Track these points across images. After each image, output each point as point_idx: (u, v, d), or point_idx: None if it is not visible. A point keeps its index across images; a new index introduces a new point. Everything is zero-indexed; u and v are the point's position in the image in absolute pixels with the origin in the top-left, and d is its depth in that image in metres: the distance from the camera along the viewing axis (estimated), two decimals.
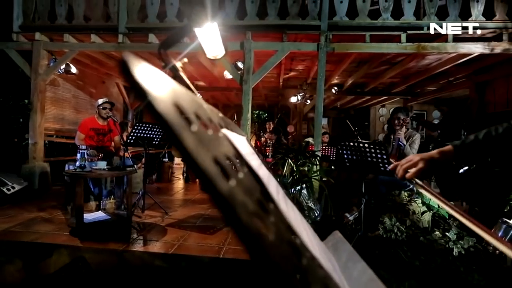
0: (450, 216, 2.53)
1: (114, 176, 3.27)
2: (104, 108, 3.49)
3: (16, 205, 3.44)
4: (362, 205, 2.34)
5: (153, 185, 5.21)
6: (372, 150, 2.19)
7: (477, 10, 3.60)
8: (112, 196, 3.39)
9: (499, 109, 4.67)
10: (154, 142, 3.42)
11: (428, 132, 5.85)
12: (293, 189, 2.89)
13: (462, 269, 2.12)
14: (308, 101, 6.80)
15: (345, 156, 2.40)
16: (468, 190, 3.13)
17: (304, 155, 3.07)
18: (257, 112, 11.14)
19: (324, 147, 4.66)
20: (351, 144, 2.32)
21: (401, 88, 6.29)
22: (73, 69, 4.56)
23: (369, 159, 2.23)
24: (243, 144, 0.53)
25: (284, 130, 6.56)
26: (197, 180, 5.38)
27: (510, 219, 2.20)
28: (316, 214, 2.96)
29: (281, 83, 6.40)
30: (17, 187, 3.61)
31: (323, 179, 3.16)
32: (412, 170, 0.86)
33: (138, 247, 2.35)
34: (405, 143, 3.01)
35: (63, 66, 4.42)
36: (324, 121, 9.37)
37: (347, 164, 2.41)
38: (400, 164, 0.90)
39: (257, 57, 4.26)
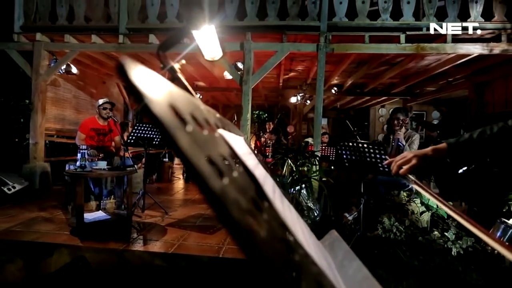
0: (449, 216, 2.54)
1: (115, 176, 3.28)
2: (105, 109, 3.50)
3: (17, 204, 3.45)
4: (361, 205, 2.35)
5: (153, 185, 5.22)
6: (371, 150, 2.20)
7: (476, 11, 3.61)
8: (113, 196, 3.41)
9: (498, 109, 4.67)
10: (154, 142, 3.44)
11: (427, 132, 5.86)
12: (292, 189, 2.90)
13: (460, 268, 2.13)
14: (308, 101, 6.82)
15: (344, 156, 2.40)
16: (467, 190, 3.14)
17: (303, 155, 3.08)
18: (257, 112, 11.15)
19: (323, 147, 4.67)
20: (350, 144, 2.33)
21: (400, 89, 6.30)
22: (74, 70, 4.58)
23: (368, 159, 2.23)
24: (240, 144, 0.54)
25: (284, 130, 6.56)
26: None
27: (508, 219, 2.21)
28: (316, 214, 2.97)
29: (281, 84, 6.41)
30: (18, 187, 3.63)
31: (323, 179, 3.17)
32: (405, 167, 0.88)
33: (138, 246, 2.37)
34: (404, 143, 3.01)
35: (63, 67, 4.44)
36: (324, 122, 9.38)
37: (346, 164, 2.42)
38: (395, 160, 0.92)
39: (257, 58, 4.28)
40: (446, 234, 2.40)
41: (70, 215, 3.09)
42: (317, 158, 3.20)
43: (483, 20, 3.60)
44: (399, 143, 3.04)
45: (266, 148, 5.08)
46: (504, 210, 2.51)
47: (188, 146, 0.21)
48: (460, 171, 3.12)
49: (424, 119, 7.53)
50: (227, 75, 4.65)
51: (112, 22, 4.20)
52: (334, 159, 4.46)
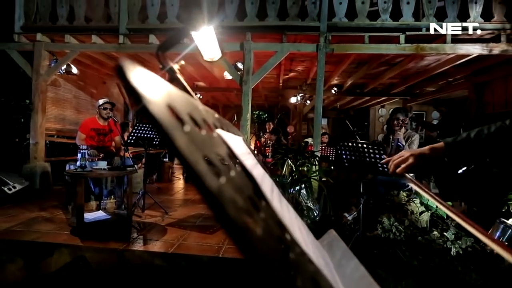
0: (448, 216, 2.54)
1: (115, 176, 3.29)
2: (105, 109, 3.51)
3: (17, 204, 3.46)
4: (361, 205, 2.36)
5: (153, 185, 5.23)
6: (371, 151, 2.20)
7: (475, 11, 3.62)
8: (113, 196, 3.41)
9: (498, 110, 4.68)
10: (154, 142, 3.44)
11: (427, 132, 5.87)
12: (292, 189, 2.90)
13: (459, 268, 2.13)
14: (308, 101, 6.82)
15: (344, 156, 2.41)
16: (467, 190, 3.14)
17: (303, 156, 3.09)
18: (257, 112, 11.16)
19: (323, 148, 4.68)
20: (350, 144, 2.33)
21: (400, 89, 6.30)
22: (74, 70, 4.59)
23: (368, 159, 2.24)
24: (238, 144, 0.54)
25: (284, 131, 6.57)
26: None
27: (507, 219, 2.21)
28: (315, 214, 2.97)
29: (281, 84, 6.42)
30: (18, 187, 3.63)
31: (322, 179, 3.17)
32: (402, 166, 0.89)
33: (138, 246, 2.37)
34: (404, 143, 3.02)
35: (64, 67, 4.45)
36: (324, 122, 9.38)
37: (346, 164, 2.42)
38: (392, 159, 0.93)
39: (257, 58, 4.28)
40: (445, 234, 2.40)
41: (70, 215, 3.09)
42: (317, 158, 3.21)
43: (483, 21, 3.60)
44: (399, 143, 3.04)
45: (266, 148, 5.09)
46: (503, 210, 2.52)
47: (185, 146, 0.21)
48: (460, 171, 3.12)
49: (424, 119, 7.53)
50: (227, 75, 4.65)
51: (112, 23, 4.21)
52: (334, 159, 4.47)
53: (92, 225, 2.70)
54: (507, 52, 3.57)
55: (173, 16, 4.06)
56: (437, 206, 2.62)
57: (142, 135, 3.31)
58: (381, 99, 7.24)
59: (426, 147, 0.90)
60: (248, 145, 0.76)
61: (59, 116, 5.21)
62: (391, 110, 3.26)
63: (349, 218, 2.93)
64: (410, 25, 3.72)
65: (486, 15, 3.61)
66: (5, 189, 3.49)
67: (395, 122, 3.06)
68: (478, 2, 3.62)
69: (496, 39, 3.66)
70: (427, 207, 2.69)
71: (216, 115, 0.52)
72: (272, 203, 0.32)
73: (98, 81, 6.11)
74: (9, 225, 2.73)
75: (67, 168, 3.22)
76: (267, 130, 6.51)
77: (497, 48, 3.58)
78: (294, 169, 2.92)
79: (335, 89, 6.30)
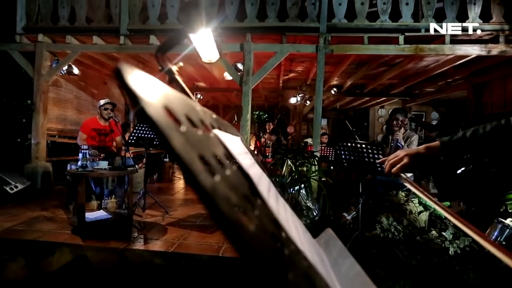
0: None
1: (116, 176, 3.31)
2: (106, 109, 3.52)
3: (19, 204, 3.48)
4: (360, 205, 2.37)
5: (154, 184, 5.24)
6: (370, 151, 2.22)
7: (474, 12, 3.63)
8: (114, 196, 3.43)
9: (496, 110, 4.69)
10: (155, 143, 3.46)
11: (426, 133, 5.87)
12: (291, 189, 2.92)
13: (457, 268, 2.14)
14: (308, 102, 6.83)
15: (343, 156, 2.42)
16: (465, 190, 3.15)
17: (303, 156, 3.10)
18: (257, 113, 11.17)
19: (323, 148, 4.69)
20: (349, 144, 2.34)
21: (399, 89, 6.31)
22: (75, 70, 4.61)
23: (367, 159, 2.25)
24: (235, 144, 0.55)
25: (283, 131, 6.59)
26: None
27: (505, 219, 2.22)
28: (315, 214, 2.99)
29: (281, 84, 6.43)
30: (20, 187, 3.65)
31: (322, 179, 3.19)
32: (397, 165, 0.90)
33: (139, 245, 2.39)
34: (403, 144, 3.03)
35: (65, 67, 4.47)
36: (324, 122, 9.39)
37: (345, 164, 2.43)
38: (388, 159, 0.94)
39: (257, 59, 4.30)
40: (443, 233, 2.41)
41: (71, 214, 3.11)
42: (316, 158, 3.22)
43: (481, 22, 3.61)
44: (398, 143, 3.05)
45: (266, 149, 5.10)
46: (501, 210, 2.53)
47: (181, 146, 0.22)
48: (459, 171, 3.13)
49: (423, 119, 7.54)
50: (227, 76, 4.67)
51: (113, 23, 4.23)
52: (333, 159, 4.48)
53: (93, 225, 2.72)
54: (505, 53, 3.58)
55: (173, 17, 4.08)
56: None
57: (143, 135, 3.33)
58: (380, 99, 7.24)
59: (422, 146, 0.91)
60: (247, 145, 0.78)
61: (61, 116, 5.23)
62: (391, 110, 3.27)
63: (348, 218, 2.94)
64: (409, 26, 3.74)
65: (485, 16, 3.62)
66: (7, 188, 3.51)
67: (395, 122, 3.07)
68: (476, 3, 3.62)
69: (494, 40, 3.66)
70: (426, 207, 2.70)
71: (214, 116, 0.53)
72: (268, 202, 0.33)
73: (99, 82, 6.13)
74: (11, 224, 2.75)
75: (68, 168, 3.25)
76: (267, 131, 6.53)
77: (495, 49, 3.59)
78: (294, 169, 2.93)
79: (335, 89, 6.31)
